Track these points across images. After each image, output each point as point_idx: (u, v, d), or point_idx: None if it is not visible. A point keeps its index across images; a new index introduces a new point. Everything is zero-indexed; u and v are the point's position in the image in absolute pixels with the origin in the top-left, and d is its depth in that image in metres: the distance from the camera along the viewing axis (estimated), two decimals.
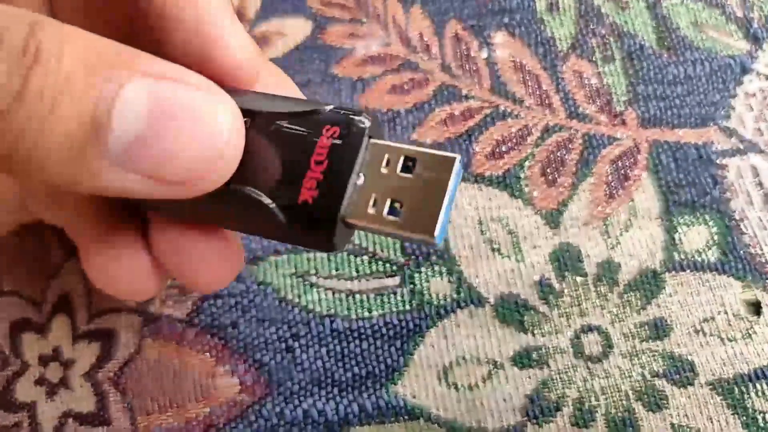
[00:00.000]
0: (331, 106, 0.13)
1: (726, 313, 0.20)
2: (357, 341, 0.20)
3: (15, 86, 0.10)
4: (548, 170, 0.22)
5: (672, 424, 0.19)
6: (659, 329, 0.20)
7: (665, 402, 0.19)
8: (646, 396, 0.19)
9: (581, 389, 0.20)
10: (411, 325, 0.21)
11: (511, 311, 0.21)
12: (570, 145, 0.22)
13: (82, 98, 0.11)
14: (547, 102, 0.23)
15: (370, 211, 0.13)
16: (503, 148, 0.22)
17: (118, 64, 0.11)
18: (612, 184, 0.22)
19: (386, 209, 0.13)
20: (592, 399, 0.20)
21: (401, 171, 0.13)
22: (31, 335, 0.21)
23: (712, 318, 0.20)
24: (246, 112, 0.13)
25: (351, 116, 0.13)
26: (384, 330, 0.21)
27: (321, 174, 0.13)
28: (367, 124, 0.13)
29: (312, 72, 0.24)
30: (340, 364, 0.20)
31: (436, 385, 0.20)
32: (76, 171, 0.11)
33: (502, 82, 0.23)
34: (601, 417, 0.19)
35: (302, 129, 0.13)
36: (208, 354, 0.21)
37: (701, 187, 0.22)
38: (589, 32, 0.24)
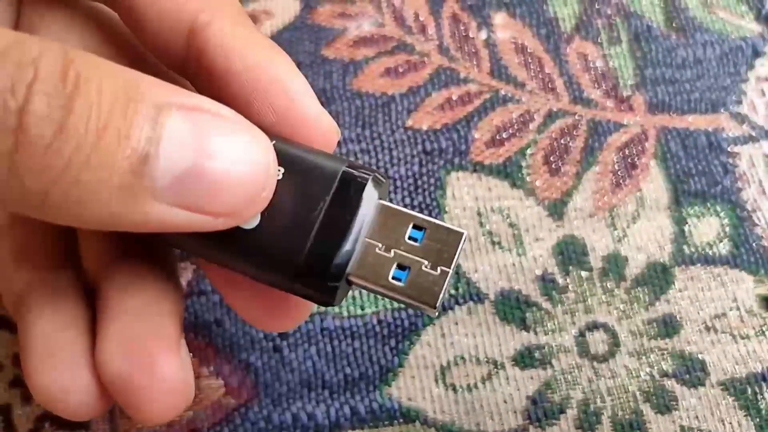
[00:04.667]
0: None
1: (738, 309, 0.20)
2: (349, 340, 0.20)
3: (56, 117, 0.10)
4: (551, 158, 0.22)
5: (682, 427, 0.19)
6: (668, 326, 0.20)
7: (675, 403, 0.19)
8: (654, 397, 0.19)
9: (586, 390, 0.19)
10: (406, 323, 0.20)
11: (512, 308, 0.20)
12: (574, 132, 0.22)
13: (128, 133, 0.11)
14: (550, 86, 0.23)
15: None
16: (504, 135, 0.22)
17: (157, 96, 0.11)
18: (619, 173, 0.22)
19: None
20: (598, 400, 0.19)
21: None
22: (5, 333, 0.21)
23: (724, 314, 0.20)
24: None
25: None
26: (377, 328, 0.20)
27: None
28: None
29: (301, 54, 0.23)
30: (331, 364, 0.20)
31: (432, 386, 0.20)
32: (119, 207, 0.11)
33: (502, 65, 0.23)
34: (607, 419, 0.19)
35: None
36: (191, 354, 0.20)
37: (712, 176, 0.22)
38: (594, 12, 0.24)
